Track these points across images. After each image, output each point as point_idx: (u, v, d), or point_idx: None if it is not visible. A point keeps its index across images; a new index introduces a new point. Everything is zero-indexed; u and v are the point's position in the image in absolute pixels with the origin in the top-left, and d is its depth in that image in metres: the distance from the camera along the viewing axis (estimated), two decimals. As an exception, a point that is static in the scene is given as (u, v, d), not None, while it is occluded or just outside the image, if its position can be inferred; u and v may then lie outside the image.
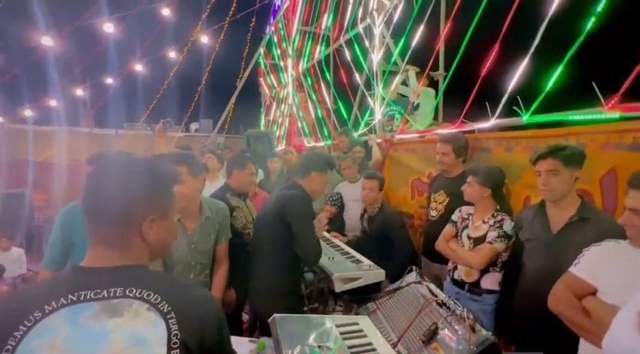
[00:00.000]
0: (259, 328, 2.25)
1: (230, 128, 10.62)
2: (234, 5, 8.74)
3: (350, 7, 5.46)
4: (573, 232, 1.51)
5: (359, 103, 5.66)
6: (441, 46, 4.16)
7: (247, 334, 2.40)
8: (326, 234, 2.73)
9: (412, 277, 1.76)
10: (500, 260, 1.87)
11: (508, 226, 1.84)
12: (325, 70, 6.50)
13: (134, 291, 0.71)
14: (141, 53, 8.00)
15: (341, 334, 1.38)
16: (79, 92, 8.20)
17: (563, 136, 1.88)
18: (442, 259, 2.16)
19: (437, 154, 2.44)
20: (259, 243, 2.04)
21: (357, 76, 5.19)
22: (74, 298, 0.68)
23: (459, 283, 1.99)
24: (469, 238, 1.96)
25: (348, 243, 2.62)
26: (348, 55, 5.32)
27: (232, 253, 2.02)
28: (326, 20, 6.39)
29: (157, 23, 7.47)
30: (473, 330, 1.27)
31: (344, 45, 5.63)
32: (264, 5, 9.16)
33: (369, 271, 2.00)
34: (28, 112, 7.76)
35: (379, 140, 3.55)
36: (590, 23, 1.96)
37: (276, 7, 8.99)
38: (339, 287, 1.91)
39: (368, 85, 4.91)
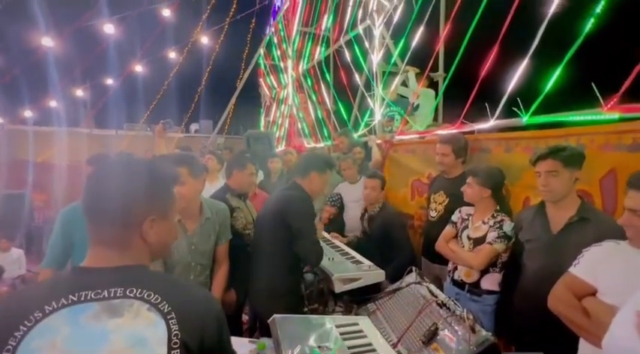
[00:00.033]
0: (259, 329, 2.25)
1: (230, 129, 10.64)
2: (234, 6, 8.77)
3: (350, 8, 5.47)
4: (573, 233, 1.51)
5: (359, 104, 5.66)
6: (440, 47, 4.16)
7: (247, 334, 2.40)
8: (326, 235, 2.73)
9: (412, 277, 1.76)
10: (500, 261, 1.88)
11: (508, 226, 1.84)
12: (325, 71, 6.51)
13: (134, 291, 0.71)
14: (141, 54, 8.03)
15: (341, 334, 1.38)
16: (79, 93, 8.22)
17: (562, 137, 1.88)
18: (442, 260, 2.16)
19: (436, 154, 2.44)
20: (259, 243, 2.04)
21: (356, 77, 5.20)
22: (75, 299, 0.68)
23: (459, 284, 1.99)
24: (469, 238, 1.96)
25: (348, 244, 2.62)
26: (347, 56, 5.32)
27: (232, 254, 2.02)
28: (326, 21, 6.40)
29: (157, 24, 7.49)
30: (473, 330, 1.27)
31: (344, 46, 5.64)
32: (264, 6, 9.19)
33: (369, 272, 2.00)
34: (28, 113, 7.77)
35: (379, 141, 3.55)
36: (590, 24, 1.96)
37: (276, 8, 9.00)
38: (339, 288, 1.91)
39: (368, 85, 4.91)
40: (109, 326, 0.67)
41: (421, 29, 3.60)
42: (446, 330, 1.34)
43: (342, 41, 5.76)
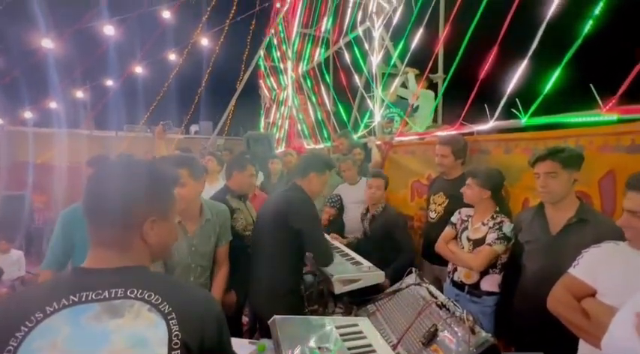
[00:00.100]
0: (259, 330, 2.25)
1: (230, 130, 10.65)
2: (235, 8, 8.79)
3: (349, 10, 5.49)
4: (572, 234, 1.52)
5: (358, 106, 5.67)
6: (440, 48, 4.18)
7: (247, 336, 2.40)
8: (325, 236, 2.73)
9: (412, 278, 1.76)
10: (500, 262, 1.88)
11: (507, 227, 1.84)
12: (325, 72, 6.52)
13: (135, 292, 0.71)
14: (141, 55, 8.03)
15: (341, 335, 1.38)
16: (79, 94, 8.21)
17: (561, 138, 1.89)
18: (442, 261, 2.16)
19: (436, 156, 2.44)
20: (259, 244, 2.04)
21: (356, 78, 5.21)
22: (75, 299, 0.69)
23: (459, 285, 1.99)
24: (469, 239, 1.97)
25: (347, 245, 2.62)
26: (347, 57, 5.33)
27: (232, 255, 2.02)
28: (326, 23, 6.41)
29: (157, 26, 7.50)
30: (472, 332, 1.27)
31: (343, 47, 5.65)
32: (264, 8, 9.21)
33: (369, 273, 2.00)
34: (28, 114, 7.77)
35: (379, 142, 3.56)
36: (588, 26, 1.97)
37: (276, 10, 9.03)
38: (338, 289, 1.91)
39: (367, 87, 4.92)
40: (109, 327, 0.67)
41: (420, 31, 3.60)
42: (445, 331, 1.34)
43: (341, 43, 5.78)
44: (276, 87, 9.38)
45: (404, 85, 4.35)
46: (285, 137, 8.22)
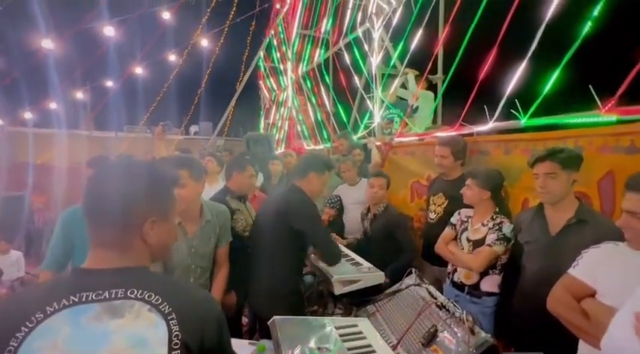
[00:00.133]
0: (259, 331, 2.25)
1: (230, 131, 10.66)
2: (234, 9, 8.80)
3: (349, 11, 5.50)
4: (572, 235, 1.52)
5: (358, 106, 5.67)
6: (439, 49, 4.18)
7: (247, 336, 2.40)
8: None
9: (412, 279, 1.76)
10: (500, 263, 1.88)
11: (507, 228, 1.84)
12: (325, 73, 6.53)
13: (135, 292, 0.71)
14: (141, 56, 8.04)
15: (340, 336, 1.39)
16: (79, 95, 8.21)
17: (561, 139, 1.89)
18: (441, 262, 2.16)
19: (435, 156, 2.45)
20: (259, 244, 2.04)
21: (356, 79, 5.21)
22: (76, 300, 0.69)
23: (459, 286, 1.99)
24: (468, 240, 1.97)
25: (347, 246, 2.62)
26: (347, 58, 5.34)
27: (232, 256, 2.02)
28: (325, 24, 6.42)
29: (157, 27, 7.51)
30: (472, 332, 1.28)
31: (343, 48, 5.66)
32: (264, 9, 9.23)
33: (369, 274, 2.00)
34: (28, 115, 7.78)
35: (378, 143, 3.56)
36: (587, 27, 1.98)
37: (276, 11, 9.04)
38: (338, 290, 1.91)
39: (367, 88, 4.93)
40: (110, 327, 0.68)
41: (420, 32, 3.61)
42: (445, 332, 1.35)
43: (341, 44, 5.79)
44: (275, 88, 9.38)
45: (403, 86, 4.35)
46: (284, 138, 8.22)
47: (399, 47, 4.13)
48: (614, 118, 1.75)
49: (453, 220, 2.11)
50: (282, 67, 8.79)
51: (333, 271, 1.99)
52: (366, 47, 4.75)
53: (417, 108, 4.12)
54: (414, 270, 1.81)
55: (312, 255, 2.21)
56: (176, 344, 0.69)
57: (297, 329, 1.38)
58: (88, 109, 9.31)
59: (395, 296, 1.72)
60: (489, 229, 1.89)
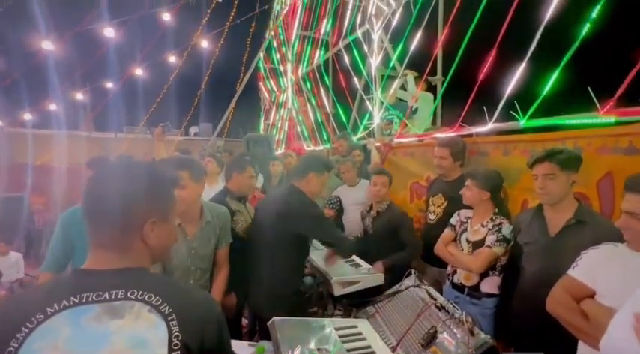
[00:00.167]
0: (259, 332, 2.24)
1: (229, 132, 10.68)
2: (234, 10, 8.82)
3: (349, 13, 5.52)
4: (571, 235, 1.52)
5: (358, 108, 5.68)
6: (439, 50, 4.20)
7: (247, 338, 2.39)
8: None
9: (411, 280, 1.76)
10: (499, 264, 1.88)
11: (507, 229, 1.85)
12: (324, 74, 6.54)
13: (135, 293, 0.71)
14: (141, 57, 8.06)
15: (340, 337, 1.39)
16: (79, 96, 8.22)
17: (560, 140, 1.90)
18: (441, 263, 2.16)
19: (435, 157, 2.45)
20: (259, 245, 2.03)
21: (355, 80, 5.22)
22: (76, 300, 0.69)
23: (459, 287, 1.99)
24: (468, 241, 1.97)
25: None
26: (347, 59, 5.35)
27: (232, 257, 2.02)
28: (325, 25, 6.44)
29: (157, 28, 7.54)
30: (472, 333, 1.28)
31: (343, 50, 5.67)
32: (264, 10, 9.25)
33: (368, 275, 2.00)
34: (27, 116, 7.79)
35: (378, 144, 3.57)
36: (586, 29, 1.99)
37: (276, 12, 9.07)
38: (338, 291, 1.91)
39: (367, 89, 4.94)
40: (110, 327, 0.68)
41: (419, 33, 3.62)
42: (445, 333, 1.35)
43: (341, 45, 5.80)
44: (275, 89, 9.40)
45: (403, 87, 4.36)
46: (284, 139, 8.23)
47: (399, 48, 4.15)
48: (612, 119, 1.76)
49: (453, 221, 2.11)
50: (281, 68, 8.81)
51: (332, 273, 1.99)
52: (365, 48, 4.77)
53: (416, 109, 4.13)
54: (413, 271, 1.81)
55: (312, 256, 2.21)
56: (176, 345, 0.69)
57: (296, 330, 1.38)
58: (88, 110, 9.34)
59: (394, 297, 1.72)
60: (489, 230, 1.89)
